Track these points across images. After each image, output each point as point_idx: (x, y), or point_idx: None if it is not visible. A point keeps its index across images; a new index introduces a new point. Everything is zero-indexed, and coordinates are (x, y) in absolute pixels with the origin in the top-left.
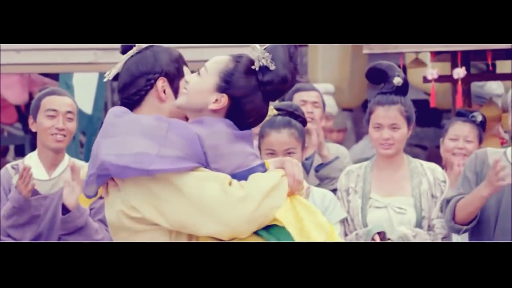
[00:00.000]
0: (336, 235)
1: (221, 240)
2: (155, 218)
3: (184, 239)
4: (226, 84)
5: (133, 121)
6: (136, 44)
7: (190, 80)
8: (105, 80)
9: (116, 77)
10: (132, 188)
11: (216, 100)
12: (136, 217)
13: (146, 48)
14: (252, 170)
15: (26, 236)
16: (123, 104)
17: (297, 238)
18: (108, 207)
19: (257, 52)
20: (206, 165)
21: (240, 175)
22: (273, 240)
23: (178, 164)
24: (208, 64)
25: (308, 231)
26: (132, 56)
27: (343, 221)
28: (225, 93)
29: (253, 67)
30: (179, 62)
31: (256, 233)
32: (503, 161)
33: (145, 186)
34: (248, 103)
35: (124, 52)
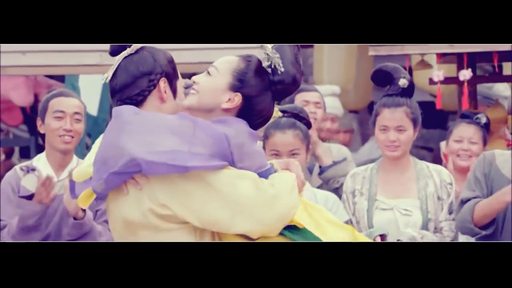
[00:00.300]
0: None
1: (251, 240)
2: (186, 216)
3: (208, 239)
4: (239, 83)
5: (157, 119)
6: (132, 45)
7: (199, 80)
8: (103, 81)
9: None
10: (160, 186)
11: (229, 99)
12: (166, 214)
13: (141, 48)
14: (270, 170)
15: (33, 239)
16: (124, 104)
17: (321, 238)
18: (127, 205)
19: (268, 52)
20: (232, 164)
21: (262, 175)
22: (300, 240)
23: (211, 162)
24: (218, 64)
25: (326, 230)
26: (127, 56)
27: (348, 223)
28: (239, 92)
29: (265, 66)
30: (173, 63)
31: (280, 233)
32: None
33: (175, 183)
34: (260, 102)
35: (113, 53)
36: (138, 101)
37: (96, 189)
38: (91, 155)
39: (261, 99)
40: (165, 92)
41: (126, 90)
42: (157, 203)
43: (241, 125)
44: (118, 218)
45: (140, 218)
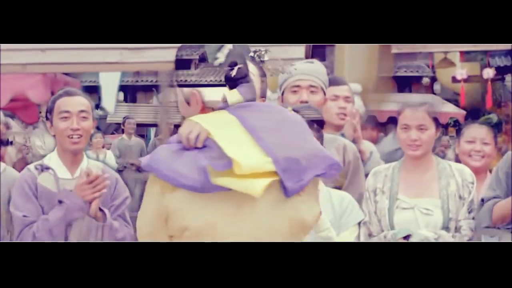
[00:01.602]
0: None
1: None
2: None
3: None
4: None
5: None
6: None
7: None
8: (216, 64)
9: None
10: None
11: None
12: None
13: None
14: None
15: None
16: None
17: None
18: (305, 208)
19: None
20: None
21: None
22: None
23: None
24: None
25: None
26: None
27: (363, 223)
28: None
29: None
30: None
31: None
32: None
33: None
34: None
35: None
36: None
37: (294, 190)
38: (241, 149)
39: None
40: None
41: (244, 80)
42: (317, 208)
43: None
44: (291, 219)
45: (316, 220)
